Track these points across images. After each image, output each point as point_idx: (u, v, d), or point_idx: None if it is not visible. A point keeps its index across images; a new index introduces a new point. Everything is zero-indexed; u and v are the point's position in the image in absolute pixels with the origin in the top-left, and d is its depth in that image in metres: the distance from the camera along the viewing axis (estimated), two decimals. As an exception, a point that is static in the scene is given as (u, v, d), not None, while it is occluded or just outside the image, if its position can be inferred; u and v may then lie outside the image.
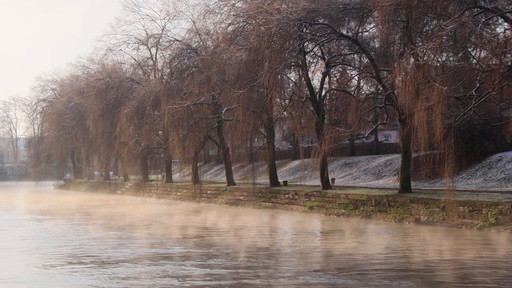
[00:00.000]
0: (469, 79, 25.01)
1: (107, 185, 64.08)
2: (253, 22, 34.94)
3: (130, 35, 62.14)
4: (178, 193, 49.95)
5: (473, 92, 23.68)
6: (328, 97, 39.91)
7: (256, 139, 42.96)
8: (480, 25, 23.90)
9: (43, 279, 15.52)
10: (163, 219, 32.36)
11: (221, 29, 41.36)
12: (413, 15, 26.84)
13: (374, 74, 31.69)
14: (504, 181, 31.98)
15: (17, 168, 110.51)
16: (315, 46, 35.19)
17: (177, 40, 50.27)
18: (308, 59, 37.69)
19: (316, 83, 39.52)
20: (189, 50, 45.51)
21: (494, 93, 23.50)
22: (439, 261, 17.80)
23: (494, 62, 23.83)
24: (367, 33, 36.20)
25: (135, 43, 61.55)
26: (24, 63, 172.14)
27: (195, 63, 44.72)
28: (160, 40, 58.10)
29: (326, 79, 38.10)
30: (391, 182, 38.77)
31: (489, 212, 24.05)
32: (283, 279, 15.15)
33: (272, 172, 41.41)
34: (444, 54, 29.07)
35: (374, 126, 37.15)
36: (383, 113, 34.16)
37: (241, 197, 40.65)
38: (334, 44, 35.73)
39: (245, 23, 37.12)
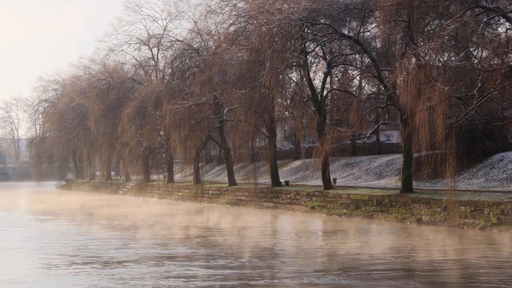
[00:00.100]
0: (471, 79, 24.99)
1: (109, 185, 64.13)
2: (255, 22, 34.95)
3: (132, 36, 62.24)
4: (180, 193, 49.97)
5: (475, 92, 23.65)
6: (329, 97, 39.95)
7: (257, 139, 42.99)
8: (481, 25, 23.90)
9: (47, 280, 15.49)
10: (165, 219, 32.37)
11: (222, 29, 41.42)
12: (415, 15, 26.83)
13: (376, 74, 31.68)
14: (506, 181, 31.96)
15: (18, 168, 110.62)
16: (317, 46, 35.20)
17: (178, 40, 50.31)
18: (310, 59, 37.72)
19: (317, 83, 39.63)
20: (190, 50, 45.55)
21: (495, 93, 23.48)
22: (444, 261, 17.73)
23: (495, 62, 23.81)
24: (368, 33, 36.23)
25: (136, 43, 61.63)
26: (25, 63, 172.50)
27: (197, 63, 44.74)
28: (162, 40, 58.14)
29: (328, 79, 38.14)
30: (393, 182, 38.76)
31: (491, 212, 24.04)
32: (288, 280, 15.10)
33: (274, 172, 41.42)
34: (446, 54, 29.06)
35: (376, 126, 37.13)
36: (384, 113, 34.13)
37: (242, 197, 40.65)
38: (335, 44, 35.74)
39: (246, 23, 37.14)
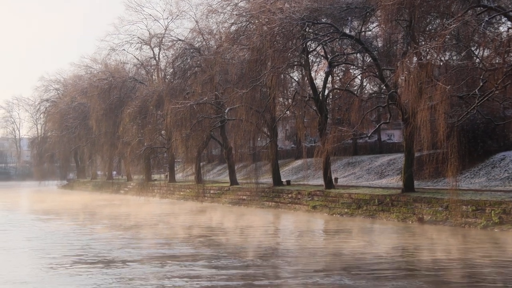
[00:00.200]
0: (472, 78, 24.98)
1: (110, 184, 64.18)
2: (256, 21, 34.96)
3: (133, 35, 62.25)
4: (181, 193, 50.00)
5: (476, 91, 23.65)
6: (331, 97, 39.95)
7: (259, 139, 43.03)
8: (483, 24, 23.88)
9: (50, 280, 15.45)
10: (168, 219, 32.38)
11: (224, 28, 41.41)
12: (416, 14, 26.82)
13: (377, 73, 31.66)
14: (507, 180, 31.94)
15: (20, 168, 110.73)
16: (318, 45, 35.19)
17: (180, 40, 50.32)
18: (311, 58, 37.70)
19: (319, 82, 39.59)
20: (192, 50, 45.56)
21: (497, 92, 23.48)
22: (448, 260, 17.67)
23: (497, 61, 23.78)
24: (370, 33, 36.22)
25: (138, 43, 61.64)
26: (26, 63, 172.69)
27: (198, 62, 44.76)
28: (163, 39, 58.16)
29: (329, 78, 38.12)
30: (394, 181, 38.76)
31: (493, 211, 24.02)
32: (292, 280, 15.06)
33: (275, 171, 41.43)
34: (447, 53, 29.03)
35: (377, 126, 37.11)
36: (386, 112, 34.12)
37: (244, 197, 40.67)
38: (337, 44, 35.73)
39: (248, 22, 37.13)
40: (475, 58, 28.06)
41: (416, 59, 26.63)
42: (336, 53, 35.71)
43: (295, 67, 38.13)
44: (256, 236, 24.04)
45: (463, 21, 23.67)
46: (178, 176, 60.25)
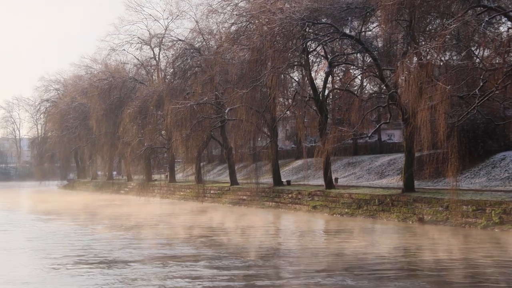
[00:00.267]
0: (473, 78, 24.99)
1: (111, 185, 64.20)
2: (256, 21, 34.97)
3: (133, 35, 62.27)
4: (182, 193, 50.02)
5: (477, 91, 23.66)
6: (331, 97, 39.95)
7: (259, 139, 43.04)
8: (483, 24, 23.89)
9: (51, 280, 15.44)
10: (169, 219, 32.38)
11: (224, 28, 41.43)
12: (416, 14, 26.83)
13: (377, 73, 31.68)
14: (507, 180, 31.95)
15: (20, 168, 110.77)
16: (318, 45, 35.20)
17: (180, 40, 50.34)
18: (311, 58, 37.71)
19: (319, 82, 39.59)
20: (192, 50, 45.57)
21: (497, 92, 23.49)
22: (450, 260, 17.66)
23: (497, 61, 23.80)
24: (370, 33, 36.23)
25: (138, 43, 61.66)
26: (27, 63, 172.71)
27: (198, 63, 44.77)
28: (163, 40, 58.18)
29: (329, 78, 38.12)
30: (395, 181, 38.78)
31: (493, 211, 24.02)
32: (294, 280, 15.03)
33: (275, 171, 41.44)
34: (447, 53, 29.04)
35: (377, 126, 37.13)
36: (386, 112, 34.13)
37: (244, 197, 40.68)
38: (337, 44, 35.74)
39: (248, 22, 37.14)
40: (475, 58, 28.08)
41: (416, 59, 26.64)
42: (336, 53, 35.72)
43: (295, 67, 38.15)
44: (257, 236, 24.04)
45: (463, 21, 23.69)
46: (178, 176, 60.28)
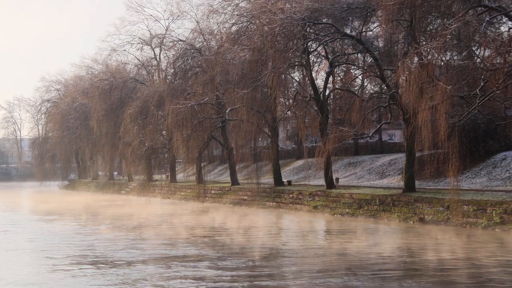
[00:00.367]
0: (473, 78, 25.00)
1: (112, 185, 64.25)
2: (257, 22, 34.98)
3: (134, 35, 62.33)
4: (183, 193, 50.05)
5: (477, 91, 23.66)
6: (332, 97, 39.97)
7: (260, 139, 43.03)
8: (484, 24, 23.90)
9: (54, 281, 15.38)
10: (170, 219, 32.36)
11: (224, 29, 41.46)
12: (417, 14, 26.84)
13: (378, 73, 31.69)
14: (508, 180, 31.96)
15: (21, 168, 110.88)
16: (319, 45, 35.22)
17: (180, 40, 50.38)
18: (312, 58, 37.73)
19: (320, 82, 39.60)
20: (192, 50, 45.60)
21: (498, 92, 23.49)
22: (452, 260, 17.64)
23: (498, 61, 23.81)
24: (371, 33, 36.26)
25: (139, 43, 61.71)
26: (27, 63, 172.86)
27: (199, 63, 44.80)
28: (164, 40, 58.23)
29: (330, 78, 38.14)
30: (395, 181, 38.78)
31: (494, 211, 24.03)
32: (298, 280, 15.00)
33: (276, 171, 41.46)
34: (448, 53, 29.06)
35: (378, 126, 37.15)
36: (387, 112, 34.15)
37: (245, 197, 40.70)
38: (337, 44, 35.75)
39: (248, 23, 37.16)
40: (476, 58, 28.09)
41: (417, 59, 26.64)
42: (337, 53, 35.74)
43: (296, 67, 38.15)
44: (259, 237, 24.02)
45: (464, 21, 23.69)
46: (179, 176, 60.31)
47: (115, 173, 75.21)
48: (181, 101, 40.88)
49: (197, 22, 47.84)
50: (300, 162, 52.50)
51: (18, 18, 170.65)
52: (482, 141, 35.63)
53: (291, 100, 40.21)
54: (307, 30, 32.96)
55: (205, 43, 45.89)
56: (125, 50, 63.51)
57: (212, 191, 45.50)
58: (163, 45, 58.66)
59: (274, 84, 32.95)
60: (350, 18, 32.82)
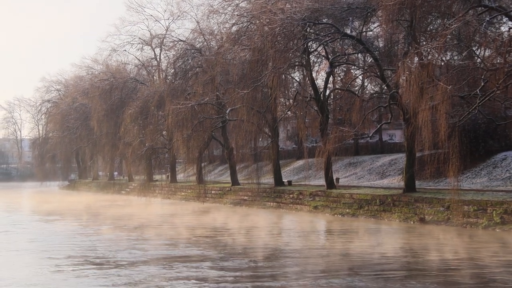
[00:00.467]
0: (474, 78, 25.02)
1: (112, 185, 64.27)
2: (257, 22, 35.00)
3: (134, 36, 62.39)
4: (183, 193, 50.07)
5: (478, 91, 23.68)
6: (332, 97, 40.01)
7: (260, 139, 43.05)
8: (484, 24, 23.92)
9: (56, 282, 15.34)
10: (171, 220, 32.36)
11: (225, 29, 41.49)
12: (417, 14, 26.86)
13: (378, 73, 31.72)
14: (509, 180, 31.97)
15: (21, 168, 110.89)
16: (319, 45, 35.24)
17: (181, 41, 50.40)
18: (312, 58, 37.76)
19: (320, 82, 39.62)
20: (193, 50, 45.62)
21: (498, 92, 23.52)
22: (455, 260, 17.62)
23: (498, 61, 23.84)
24: (371, 33, 36.27)
25: (139, 43, 61.77)
26: (28, 64, 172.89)
27: (199, 63, 44.82)
28: (164, 40, 58.27)
29: (330, 78, 38.18)
30: (396, 181, 38.79)
31: (494, 211, 24.05)
32: (301, 281, 14.96)
33: (277, 172, 41.48)
34: (449, 53, 29.09)
35: (379, 126, 37.16)
36: (387, 112, 34.17)
37: (245, 197, 40.73)
38: (338, 44, 35.78)
39: (249, 23, 37.18)
40: (476, 58, 28.11)
41: (417, 59, 26.67)
42: (337, 53, 35.76)
43: (296, 67, 38.18)
44: (261, 237, 23.99)
45: (464, 21, 23.71)
46: (180, 176, 60.33)
47: (116, 173, 75.22)
48: (182, 101, 40.90)
49: (197, 22, 47.94)
50: (300, 162, 52.51)
51: (18, 18, 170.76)
52: (482, 141, 35.64)
53: (291, 100, 40.23)
54: (307, 30, 32.98)
55: (205, 43, 45.91)
56: (125, 50, 63.64)
57: (213, 191, 45.52)
58: (163, 45, 58.71)
59: (274, 84, 32.97)
60: (350, 18, 32.84)
